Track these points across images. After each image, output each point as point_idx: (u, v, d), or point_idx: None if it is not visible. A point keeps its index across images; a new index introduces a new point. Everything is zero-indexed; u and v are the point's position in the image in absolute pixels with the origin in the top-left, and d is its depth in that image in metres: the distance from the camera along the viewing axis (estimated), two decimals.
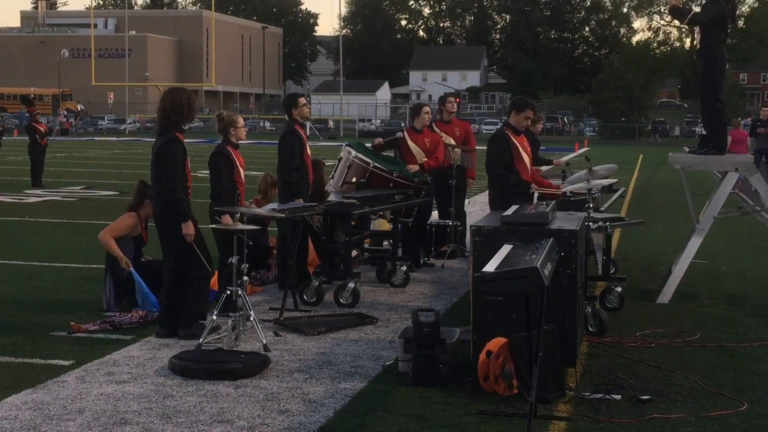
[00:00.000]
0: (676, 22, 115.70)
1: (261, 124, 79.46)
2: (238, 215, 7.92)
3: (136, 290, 8.67)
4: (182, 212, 7.66)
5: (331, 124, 76.88)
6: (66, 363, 7.03)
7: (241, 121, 8.92)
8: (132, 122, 77.95)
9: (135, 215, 9.02)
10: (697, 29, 9.99)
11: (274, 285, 10.11)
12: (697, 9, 9.98)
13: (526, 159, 8.99)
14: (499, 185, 8.81)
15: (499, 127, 9.30)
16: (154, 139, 7.96)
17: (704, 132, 10.77)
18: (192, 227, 7.71)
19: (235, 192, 8.49)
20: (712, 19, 9.60)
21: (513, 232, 6.68)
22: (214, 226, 8.17)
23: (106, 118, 79.00)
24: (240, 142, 8.92)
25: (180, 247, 7.78)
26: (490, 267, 5.50)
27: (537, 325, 5.72)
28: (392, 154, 11.63)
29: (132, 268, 8.70)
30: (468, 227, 7.09)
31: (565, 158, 10.21)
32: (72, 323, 8.08)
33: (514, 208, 7.29)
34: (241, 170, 8.69)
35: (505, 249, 6.11)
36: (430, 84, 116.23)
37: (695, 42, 10.31)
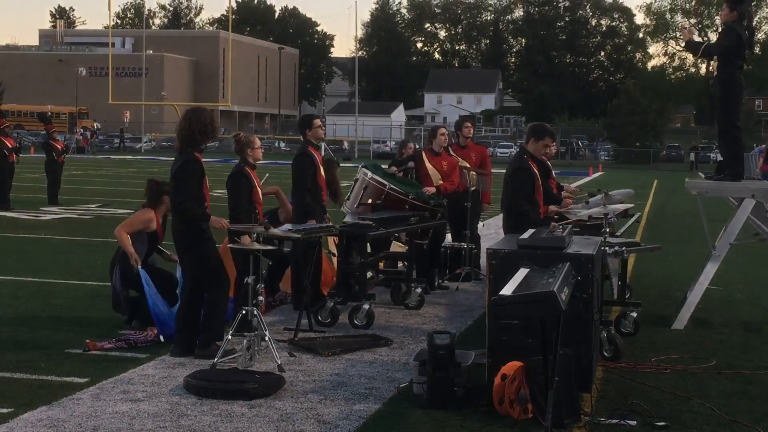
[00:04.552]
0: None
1: (276, 144, 79.69)
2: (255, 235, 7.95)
3: (145, 292, 8.61)
4: (198, 216, 7.74)
5: (345, 145, 77.00)
6: (81, 380, 7.05)
7: (257, 142, 8.98)
8: (147, 141, 78.30)
9: (151, 211, 9.06)
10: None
11: (288, 305, 10.12)
12: (712, 39, 9.97)
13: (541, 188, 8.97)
14: (519, 222, 8.39)
15: (517, 152, 9.20)
16: (174, 159, 8.03)
17: (721, 158, 10.73)
18: (222, 219, 7.93)
19: (253, 212, 8.53)
20: (727, 48, 9.59)
21: (529, 255, 6.67)
22: (231, 245, 8.20)
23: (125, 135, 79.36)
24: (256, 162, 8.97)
25: (197, 268, 7.82)
26: (507, 290, 5.50)
27: (553, 350, 5.71)
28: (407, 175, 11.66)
29: (141, 267, 8.71)
30: (484, 250, 7.09)
31: (576, 184, 10.21)
32: (87, 341, 8.11)
33: (530, 231, 7.29)
34: (259, 190, 8.76)
35: (522, 272, 6.10)
36: (445, 106, 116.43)
37: (711, 68, 10.32)
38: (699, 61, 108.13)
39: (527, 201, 8.56)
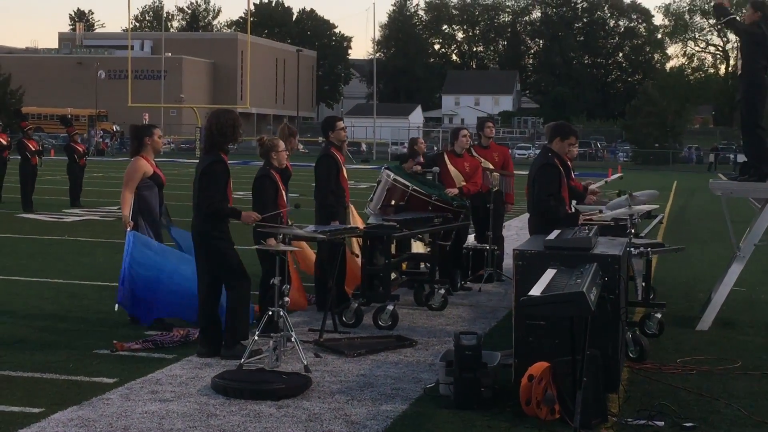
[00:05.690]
0: (711, 48, 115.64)
1: None
2: (281, 236, 7.98)
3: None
4: (228, 214, 7.83)
5: (363, 147, 77.08)
6: (110, 381, 7.11)
7: (282, 145, 9.03)
8: (166, 143, 78.50)
9: (139, 158, 9.24)
10: (738, 55, 9.96)
11: (313, 306, 10.16)
12: (731, 40, 9.96)
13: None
14: (548, 217, 8.43)
15: (541, 151, 9.19)
16: (199, 159, 8.09)
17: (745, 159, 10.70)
18: (254, 214, 7.97)
19: (279, 214, 8.57)
20: (747, 32, 9.55)
21: (556, 256, 6.68)
22: (257, 247, 8.24)
23: None
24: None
25: (216, 266, 7.87)
26: (536, 291, 5.51)
27: (581, 350, 5.72)
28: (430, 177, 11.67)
29: (130, 230, 8.82)
30: (511, 251, 7.10)
31: (597, 185, 10.16)
32: (115, 341, 8.18)
33: (556, 232, 7.30)
34: (283, 193, 8.80)
35: (550, 273, 6.12)
36: (463, 108, 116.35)
37: (731, 66, 10.32)
38: (719, 61, 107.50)
39: (554, 198, 8.54)
